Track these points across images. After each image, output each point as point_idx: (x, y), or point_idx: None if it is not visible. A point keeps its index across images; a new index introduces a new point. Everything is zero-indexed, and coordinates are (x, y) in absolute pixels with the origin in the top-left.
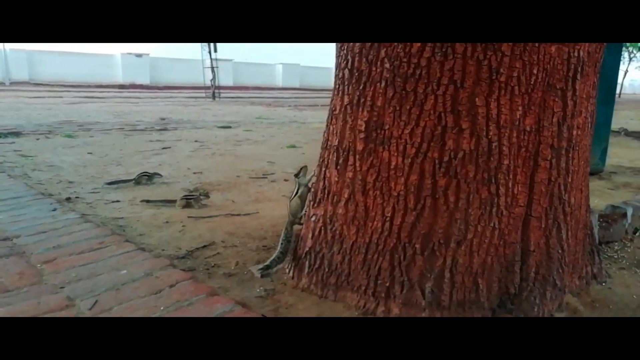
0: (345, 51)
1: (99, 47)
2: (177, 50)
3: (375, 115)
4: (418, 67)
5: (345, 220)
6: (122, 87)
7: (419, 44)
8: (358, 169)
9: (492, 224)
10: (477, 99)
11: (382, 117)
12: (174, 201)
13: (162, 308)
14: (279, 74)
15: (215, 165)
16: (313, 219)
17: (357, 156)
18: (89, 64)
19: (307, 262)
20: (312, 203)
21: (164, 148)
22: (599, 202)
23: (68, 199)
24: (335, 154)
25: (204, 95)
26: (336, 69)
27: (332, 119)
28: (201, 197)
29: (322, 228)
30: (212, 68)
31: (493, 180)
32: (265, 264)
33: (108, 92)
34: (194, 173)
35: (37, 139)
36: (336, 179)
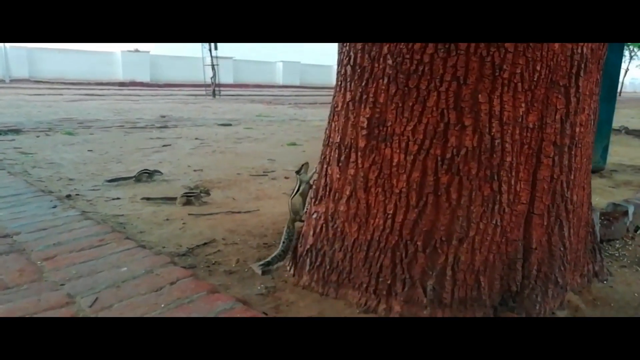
0: (347, 47)
1: (99, 45)
2: (177, 48)
3: (377, 112)
4: (421, 63)
5: (347, 218)
6: (122, 84)
7: None
8: (360, 166)
9: (494, 222)
10: (480, 95)
11: (384, 114)
12: (174, 199)
13: (162, 305)
14: (279, 71)
15: (216, 163)
16: (314, 216)
17: (359, 153)
18: (89, 61)
19: (308, 260)
20: (313, 200)
21: (164, 145)
22: (600, 200)
23: (68, 196)
24: (337, 150)
25: (204, 93)
26: (338, 66)
27: (334, 116)
28: (202, 194)
29: (324, 225)
30: (213, 66)
31: (495, 178)
32: (267, 260)
33: (108, 89)
34: (195, 170)
35: (37, 137)
36: (338, 176)
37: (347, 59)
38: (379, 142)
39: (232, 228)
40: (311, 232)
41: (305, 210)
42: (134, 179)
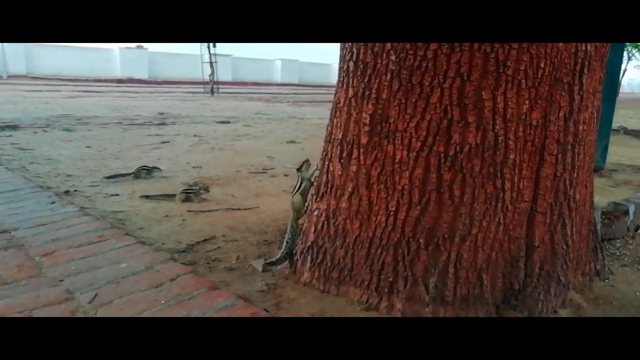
0: (350, 43)
1: None
2: (175, 45)
3: (380, 108)
4: (424, 59)
5: (349, 215)
6: (120, 81)
7: None
8: (362, 162)
9: (497, 219)
10: (483, 92)
11: (387, 110)
12: (173, 195)
13: (162, 302)
14: (278, 69)
15: (215, 160)
16: (316, 213)
17: (362, 150)
18: (87, 58)
19: (309, 257)
20: (314, 197)
21: (162, 142)
22: (600, 199)
23: (67, 192)
24: (339, 147)
25: (202, 90)
26: (340, 61)
27: (336, 112)
28: (201, 191)
29: (325, 222)
30: (211, 63)
31: (499, 175)
32: (272, 259)
33: (106, 86)
34: (194, 167)
35: (35, 133)
36: (340, 172)
37: (349, 54)
38: (382, 138)
39: (232, 225)
40: (312, 229)
41: (306, 207)
42: (132, 175)
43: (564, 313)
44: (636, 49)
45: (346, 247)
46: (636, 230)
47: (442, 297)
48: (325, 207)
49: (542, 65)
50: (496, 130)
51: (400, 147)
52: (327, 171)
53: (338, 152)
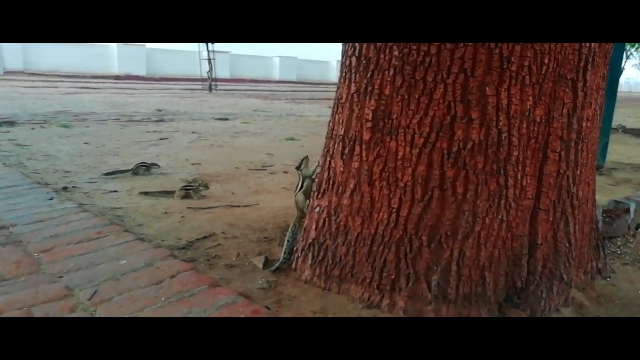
0: None
1: None
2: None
3: (382, 104)
4: (428, 55)
5: (351, 212)
6: (117, 78)
7: None
8: (364, 159)
9: (500, 216)
10: (487, 88)
11: (390, 106)
12: (172, 192)
13: (163, 299)
14: (276, 67)
15: (214, 157)
16: (317, 210)
17: (364, 146)
18: (84, 54)
19: (310, 254)
20: (316, 194)
21: (161, 139)
22: (600, 197)
23: (65, 188)
24: (340, 143)
25: (200, 87)
26: (343, 57)
27: (338, 108)
28: (200, 188)
29: (327, 219)
30: (209, 60)
31: (502, 172)
32: (276, 266)
33: (103, 82)
34: (192, 164)
35: (32, 129)
36: (341, 169)
37: (352, 49)
38: (384, 134)
39: (232, 222)
40: (313, 226)
41: (307, 204)
42: (131, 172)
43: (566, 311)
44: (634, 48)
45: (348, 244)
46: (637, 228)
47: (444, 295)
48: (326, 204)
49: (546, 61)
50: (500, 127)
51: (403, 144)
52: (329, 168)
53: (340, 148)
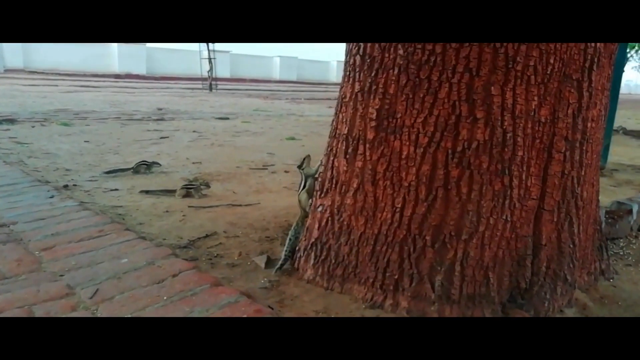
0: None
1: None
2: None
3: (387, 103)
4: (433, 54)
5: (354, 211)
6: (118, 76)
7: None
8: (368, 158)
9: (504, 217)
10: (492, 87)
11: (394, 105)
12: (173, 191)
13: (165, 298)
14: (276, 66)
15: (215, 156)
16: (320, 209)
17: (368, 145)
18: (85, 53)
19: (313, 254)
20: (319, 193)
21: (162, 138)
22: (602, 198)
23: (66, 186)
24: (344, 142)
25: (200, 86)
26: (347, 55)
27: (341, 107)
28: (202, 186)
29: (329, 219)
30: (210, 59)
31: (507, 172)
32: (280, 264)
33: (104, 81)
34: (193, 163)
35: (33, 127)
36: (345, 168)
37: (356, 48)
38: (388, 134)
39: (233, 221)
40: (316, 226)
41: (310, 203)
42: (132, 170)
43: (570, 313)
44: (634, 50)
45: (351, 244)
46: (639, 230)
47: (448, 296)
48: (329, 203)
49: (551, 61)
50: (505, 127)
51: (407, 143)
52: (332, 167)
53: (343, 147)
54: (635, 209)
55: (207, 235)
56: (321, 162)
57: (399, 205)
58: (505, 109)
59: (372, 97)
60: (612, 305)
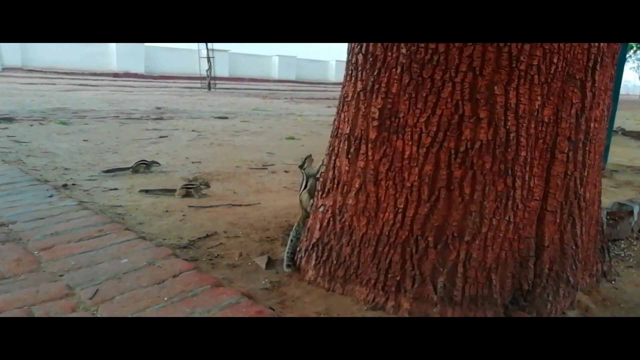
0: None
1: None
2: None
3: (389, 103)
4: (436, 53)
5: (356, 211)
6: (116, 75)
7: None
8: (370, 158)
9: (507, 218)
10: (496, 87)
11: (396, 105)
12: (173, 190)
13: (165, 298)
14: (275, 66)
15: (214, 155)
16: (321, 209)
17: (370, 145)
18: (83, 51)
19: (314, 254)
20: (320, 193)
21: (161, 137)
22: (602, 199)
23: (64, 185)
24: (346, 142)
25: (199, 85)
26: (349, 54)
27: (343, 106)
28: (202, 186)
29: (331, 219)
30: (208, 58)
31: (509, 173)
32: (287, 264)
33: (102, 80)
34: (193, 162)
35: (31, 125)
36: (347, 168)
37: (358, 47)
38: (391, 133)
39: (234, 221)
40: (317, 226)
41: (311, 204)
42: (131, 169)
43: (572, 315)
44: (632, 50)
45: (352, 244)
46: None
47: (450, 297)
48: (331, 203)
49: (555, 60)
50: (508, 127)
51: (410, 143)
52: (334, 167)
53: (345, 147)
54: (636, 210)
55: (207, 236)
56: (322, 162)
57: (401, 206)
58: (508, 109)
59: (374, 96)
60: (614, 308)
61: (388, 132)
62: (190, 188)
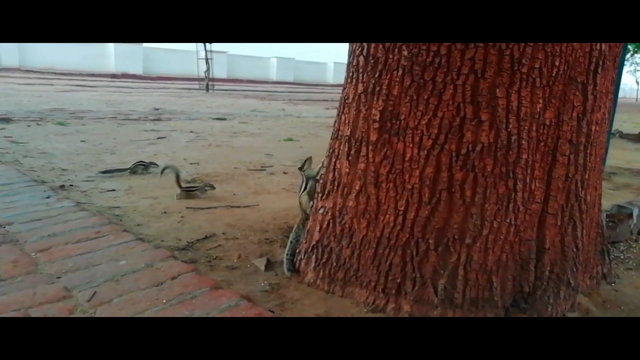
0: None
1: None
2: None
3: (390, 105)
4: (437, 55)
5: (356, 214)
6: (114, 76)
7: None
8: (371, 160)
9: (508, 220)
10: (497, 90)
11: (398, 107)
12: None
13: (164, 301)
14: (273, 67)
15: (212, 157)
16: (321, 211)
17: (370, 147)
18: (81, 52)
19: (313, 256)
20: (320, 195)
21: (159, 138)
22: (602, 202)
23: (62, 186)
24: (346, 144)
25: (197, 86)
26: (350, 56)
27: (344, 108)
28: (206, 188)
29: (331, 221)
30: (207, 60)
31: (511, 175)
32: (287, 268)
33: (100, 81)
34: (191, 164)
35: (28, 126)
36: (347, 170)
37: (359, 49)
38: (392, 135)
39: (232, 222)
40: (317, 228)
41: (311, 205)
42: (129, 170)
43: (572, 317)
44: (629, 53)
45: (352, 246)
46: (639, 233)
47: (450, 300)
48: (331, 205)
49: (557, 63)
50: (509, 129)
51: (411, 145)
52: (334, 169)
53: (346, 149)
54: (635, 212)
55: (206, 237)
56: (322, 163)
57: (402, 208)
58: (510, 112)
59: (375, 98)
60: (614, 310)
61: (389, 134)
62: (191, 191)
